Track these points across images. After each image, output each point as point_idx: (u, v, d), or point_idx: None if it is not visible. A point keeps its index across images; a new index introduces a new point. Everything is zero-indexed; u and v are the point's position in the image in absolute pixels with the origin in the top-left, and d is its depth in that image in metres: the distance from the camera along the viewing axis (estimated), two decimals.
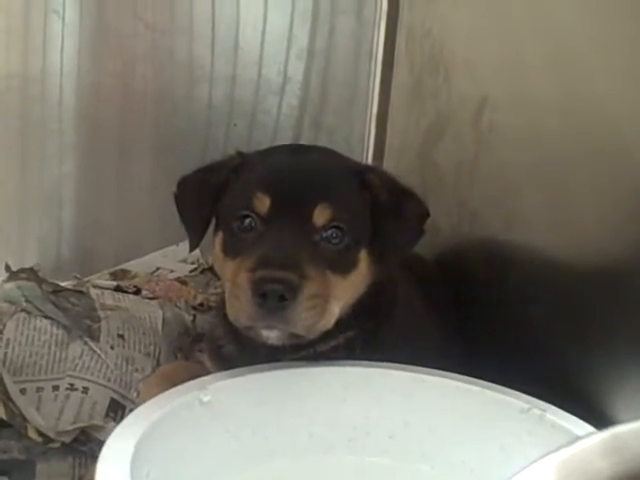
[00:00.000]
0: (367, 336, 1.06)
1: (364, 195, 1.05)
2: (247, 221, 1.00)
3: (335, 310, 0.98)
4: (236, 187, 1.05)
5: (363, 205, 1.04)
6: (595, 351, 1.00)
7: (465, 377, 1.02)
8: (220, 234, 1.05)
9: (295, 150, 1.13)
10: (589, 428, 0.90)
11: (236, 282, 0.95)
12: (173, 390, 0.96)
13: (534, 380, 0.99)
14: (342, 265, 1.00)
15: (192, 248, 1.11)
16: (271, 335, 0.96)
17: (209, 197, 1.07)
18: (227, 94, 1.78)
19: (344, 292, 1.00)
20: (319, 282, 0.95)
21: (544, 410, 0.94)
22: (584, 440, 0.44)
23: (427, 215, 1.09)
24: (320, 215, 0.99)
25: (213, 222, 1.08)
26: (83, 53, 1.66)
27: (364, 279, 1.04)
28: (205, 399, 0.95)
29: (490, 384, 1.00)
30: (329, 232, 0.99)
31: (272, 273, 0.92)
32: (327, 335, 1.00)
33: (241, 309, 0.94)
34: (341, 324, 1.01)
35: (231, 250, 1.01)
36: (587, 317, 1.02)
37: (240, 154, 1.10)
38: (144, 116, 1.75)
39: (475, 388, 1.00)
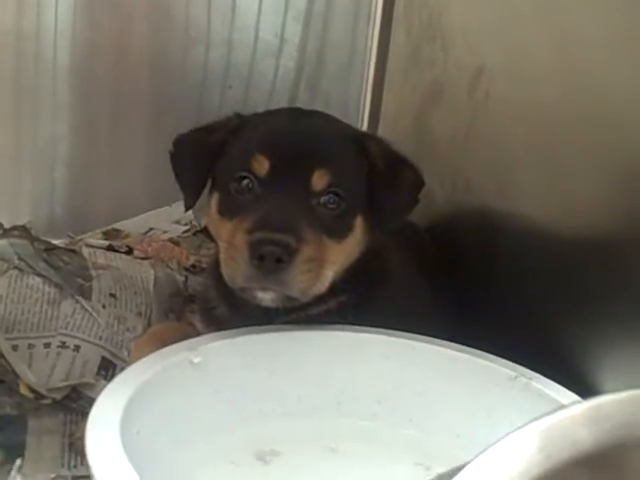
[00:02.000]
0: (359, 301, 1.06)
1: (361, 162, 1.05)
2: (245, 182, 1.00)
3: (329, 274, 0.99)
4: (234, 148, 1.05)
5: (360, 172, 1.04)
6: (584, 321, 1.00)
7: (454, 344, 1.03)
8: (216, 195, 1.05)
9: (294, 114, 1.13)
10: (574, 397, 0.91)
11: (233, 243, 0.95)
12: (164, 350, 0.96)
13: (523, 349, 1.00)
14: (338, 230, 1.00)
15: (187, 208, 1.10)
16: (266, 297, 0.97)
17: (206, 157, 1.06)
18: (223, 55, 1.76)
19: (339, 257, 1.01)
20: (315, 246, 0.95)
21: (530, 378, 0.96)
22: (567, 409, 0.45)
23: (422, 184, 1.09)
24: (318, 180, 0.99)
25: (208, 183, 1.08)
26: (78, 11, 1.64)
27: (359, 245, 1.04)
28: (196, 360, 0.96)
29: (479, 352, 1.01)
30: (326, 197, 0.99)
31: (270, 235, 0.92)
32: (320, 299, 1.01)
33: (237, 270, 0.94)
34: (334, 288, 1.01)
35: (227, 211, 1.01)
36: (577, 287, 1.03)
37: (239, 116, 1.09)
38: (139, 76, 1.74)
39: (464, 355, 1.01)
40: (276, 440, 0.98)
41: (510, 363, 0.99)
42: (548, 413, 0.44)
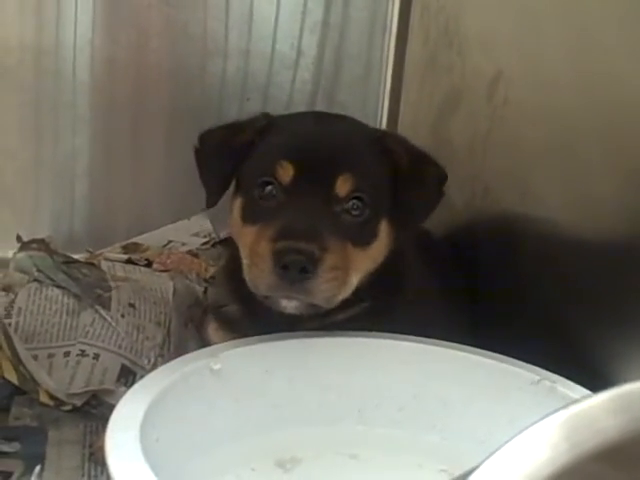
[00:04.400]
0: (382, 307, 1.05)
1: (385, 163, 1.04)
2: (268, 188, 0.99)
3: (353, 281, 0.98)
4: (260, 151, 1.04)
5: (384, 173, 1.03)
6: (608, 324, 0.99)
7: (476, 349, 1.02)
8: (239, 199, 1.04)
9: (320, 118, 1.12)
10: None
11: (256, 251, 0.94)
12: (184, 357, 0.97)
13: (545, 353, 0.99)
14: (362, 237, 0.99)
15: (209, 205, 1.09)
16: (290, 305, 0.96)
17: (232, 156, 1.05)
18: (241, 68, 1.76)
19: (363, 264, 1.00)
20: (340, 254, 0.94)
21: (554, 382, 0.94)
22: (593, 397, 0.44)
23: (446, 177, 1.08)
24: (342, 185, 0.98)
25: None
26: (97, 26, 1.65)
27: (383, 250, 1.03)
28: (215, 367, 0.95)
29: (500, 356, 1.00)
30: (350, 203, 0.98)
31: (295, 244, 0.91)
32: (343, 305, 0.99)
33: (261, 278, 0.93)
34: (357, 294, 1.00)
35: (250, 217, 1.00)
36: (600, 291, 1.02)
37: (266, 116, 1.09)
38: (157, 90, 1.75)
39: (486, 360, 1.00)
40: (297, 447, 0.98)
41: (533, 367, 0.98)
42: (574, 401, 0.43)
